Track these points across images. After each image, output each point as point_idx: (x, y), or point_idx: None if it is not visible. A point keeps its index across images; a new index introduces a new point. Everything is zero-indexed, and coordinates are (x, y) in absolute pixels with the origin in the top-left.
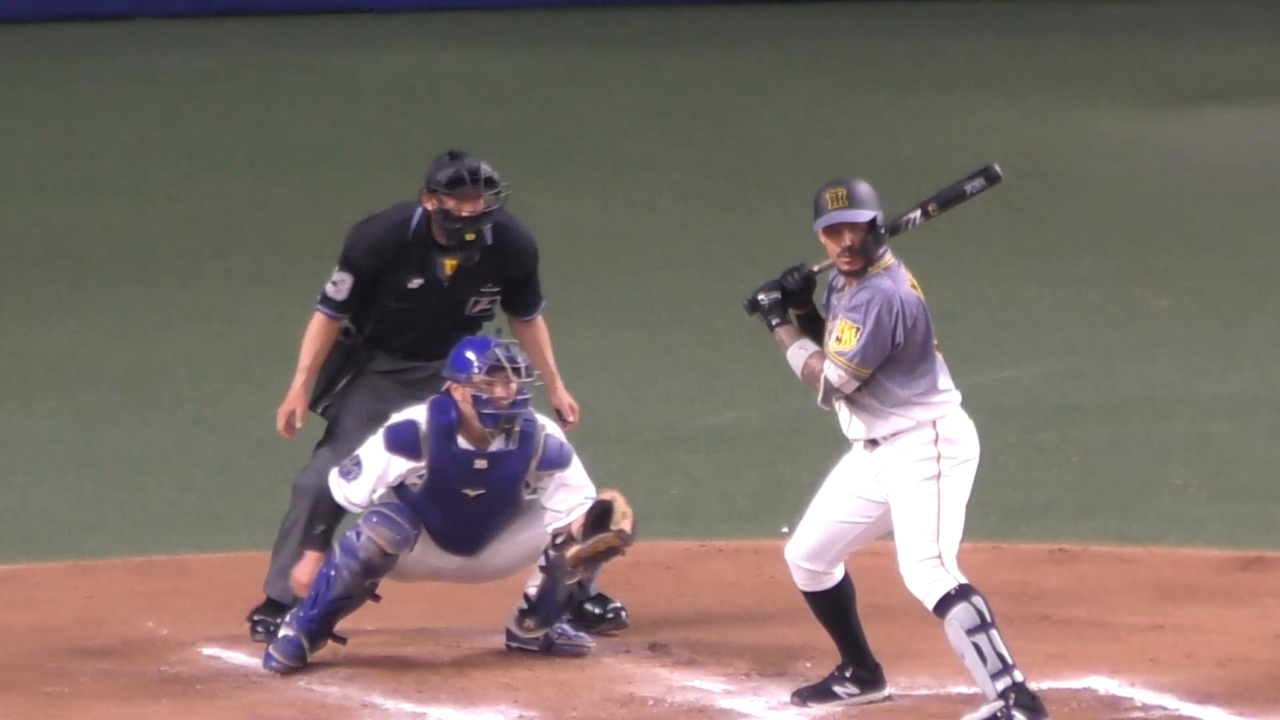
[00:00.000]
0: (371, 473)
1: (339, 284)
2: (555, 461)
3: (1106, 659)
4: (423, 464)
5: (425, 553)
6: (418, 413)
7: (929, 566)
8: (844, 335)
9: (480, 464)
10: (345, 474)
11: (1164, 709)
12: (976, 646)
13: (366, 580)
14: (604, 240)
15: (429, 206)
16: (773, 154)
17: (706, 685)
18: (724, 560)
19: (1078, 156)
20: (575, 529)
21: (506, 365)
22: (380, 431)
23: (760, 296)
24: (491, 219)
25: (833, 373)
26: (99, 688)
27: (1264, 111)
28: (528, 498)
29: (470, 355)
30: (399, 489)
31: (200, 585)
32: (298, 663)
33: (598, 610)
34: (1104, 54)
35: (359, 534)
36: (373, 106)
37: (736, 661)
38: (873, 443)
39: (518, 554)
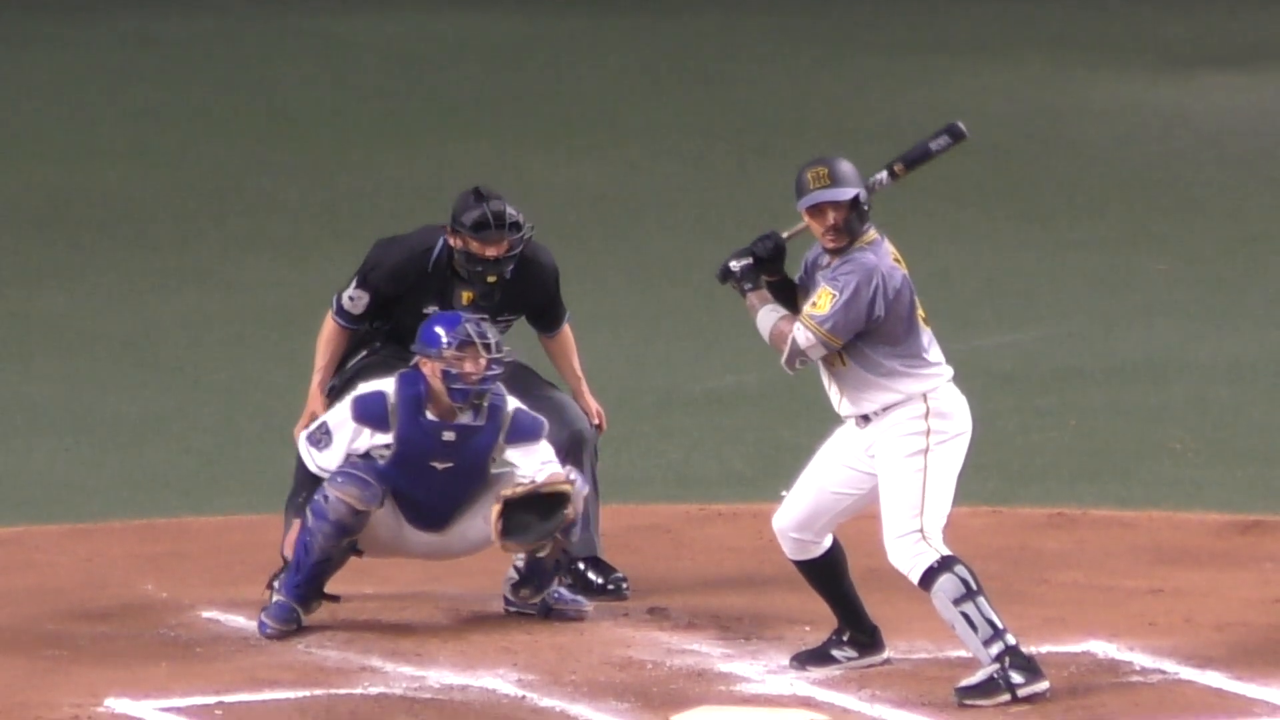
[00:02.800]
0: (341, 442)
1: (355, 300)
2: (525, 435)
3: (1105, 623)
4: (390, 436)
5: (394, 527)
6: (386, 384)
7: (910, 541)
8: (820, 300)
9: (448, 436)
10: (315, 442)
11: (1163, 672)
12: (965, 615)
13: (342, 540)
14: (602, 204)
15: (453, 243)
16: (771, 118)
17: (705, 649)
18: (723, 524)
19: (1076, 121)
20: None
21: (476, 340)
22: (348, 401)
23: (732, 264)
24: (514, 261)
25: (801, 334)
26: (98, 650)
27: (1262, 75)
28: (494, 472)
29: (440, 330)
30: (364, 459)
31: (199, 548)
32: (292, 626)
33: (600, 580)
34: (1102, 18)
35: (326, 496)
36: (372, 71)
37: (735, 625)
38: (865, 419)
39: (487, 530)
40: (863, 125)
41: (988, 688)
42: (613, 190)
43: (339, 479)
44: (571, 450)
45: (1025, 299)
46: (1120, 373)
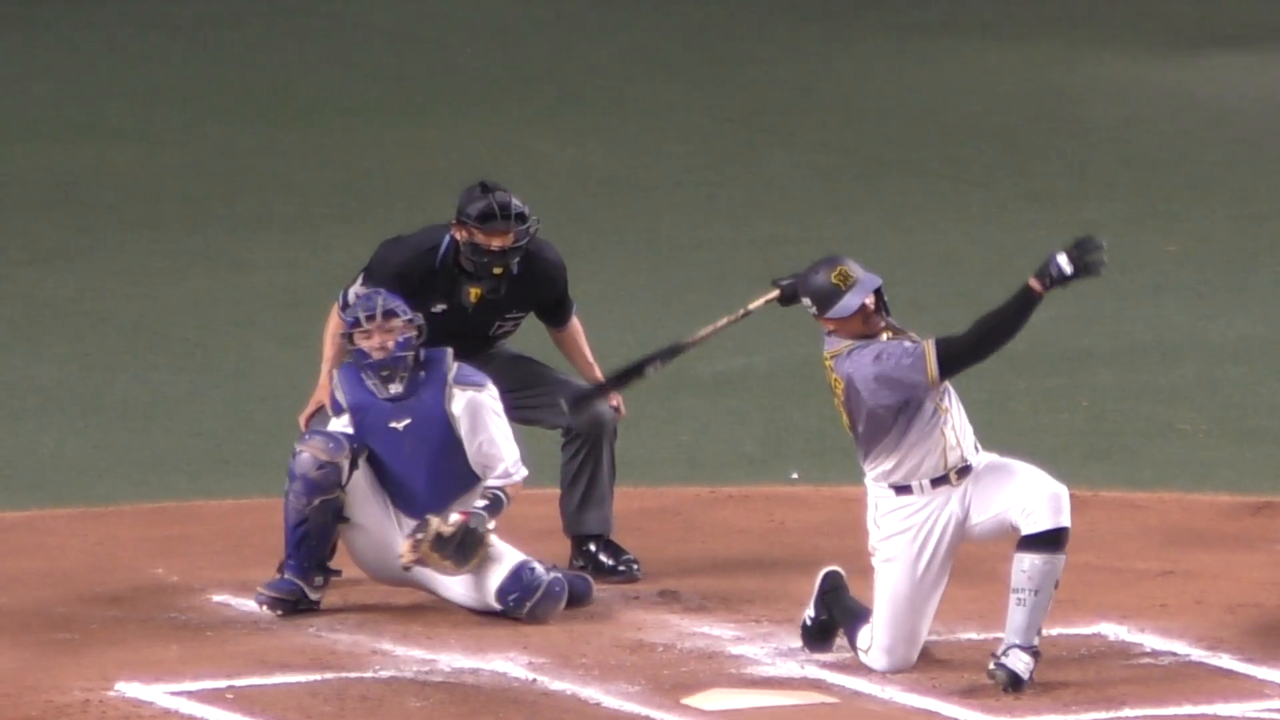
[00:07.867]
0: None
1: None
2: (471, 379)
3: (1116, 605)
4: (345, 414)
5: (380, 513)
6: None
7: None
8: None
9: (395, 388)
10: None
11: (1174, 654)
12: (1050, 600)
13: (313, 499)
14: (611, 185)
15: (458, 237)
16: (779, 98)
17: (716, 631)
18: (733, 506)
19: (1083, 100)
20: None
21: (374, 316)
22: None
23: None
24: (520, 252)
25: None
26: (108, 634)
27: (1269, 55)
28: (462, 442)
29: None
30: None
31: (209, 531)
32: (289, 595)
33: (611, 561)
34: None
35: (295, 454)
36: (380, 51)
37: (746, 608)
38: (966, 469)
39: (471, 586)
40: (871, 104)
41: (1017, 682)
42: (621, 170)
43: (307, 436)
44: (592, 434)
45: None
46: (1130, 353)
